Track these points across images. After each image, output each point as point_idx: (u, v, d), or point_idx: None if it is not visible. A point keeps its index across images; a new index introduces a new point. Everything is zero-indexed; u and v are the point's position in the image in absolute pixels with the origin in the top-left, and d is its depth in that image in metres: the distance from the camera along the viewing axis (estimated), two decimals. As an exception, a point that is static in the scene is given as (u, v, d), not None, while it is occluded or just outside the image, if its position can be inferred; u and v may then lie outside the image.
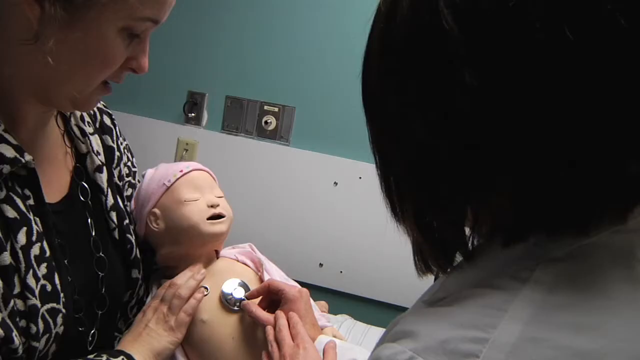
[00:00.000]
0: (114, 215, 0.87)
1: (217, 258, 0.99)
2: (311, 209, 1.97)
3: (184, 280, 0.91)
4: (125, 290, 0.90)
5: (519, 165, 0.40)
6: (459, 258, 0.48)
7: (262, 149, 2.01)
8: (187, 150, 2.06)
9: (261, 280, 0.97)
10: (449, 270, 0.48)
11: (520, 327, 0.39)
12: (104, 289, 0.83)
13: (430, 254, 0.48)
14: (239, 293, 0.93)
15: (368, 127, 0.50)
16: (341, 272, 1.96)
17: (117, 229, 0.87)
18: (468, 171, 0.43)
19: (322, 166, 1.95)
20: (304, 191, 1.97)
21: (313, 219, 1.97)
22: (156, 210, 0.94)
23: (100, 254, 0.83)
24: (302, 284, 0.98)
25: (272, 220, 2.00)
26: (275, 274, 0.99)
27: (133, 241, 0.90)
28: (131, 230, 0.91)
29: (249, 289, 0.94)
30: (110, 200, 0.86)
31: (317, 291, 1.91)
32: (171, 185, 0.94)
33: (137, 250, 0.91)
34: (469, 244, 0.47)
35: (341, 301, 1.95)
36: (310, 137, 1.98)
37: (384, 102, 0.47)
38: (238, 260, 1.00)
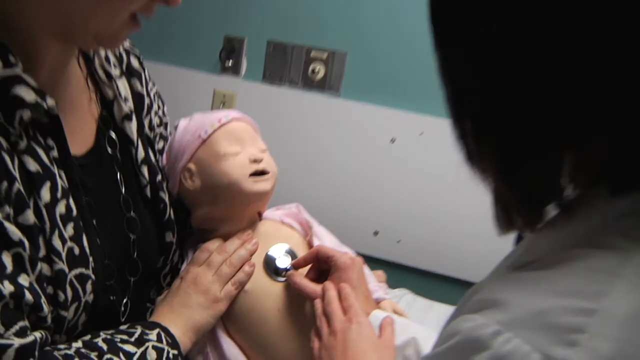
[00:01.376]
0: (145, 170, 0.87)
1: (260, 220, 0.99)
2: (365, 169, 1.96)
3: (234, 247, 0.91)
4: (158, 256, 0.91)
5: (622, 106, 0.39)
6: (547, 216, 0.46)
7: (308, 101, 2.00)
8: (224, 103, 2.07)
9: (310, 245, 0.97)
10: (538, 227, 0.46)
11: (637, 295, 0.36)
12: (136, 254, 0.84)
13: (516, 207, 0.46)
14: (285, 261, 0.93)
15: (438, 53, 0.47)
16: (399, 241, 1.96)
17: (148, 186, 0.88)
18: (568, 111, 0.40)
19: (378, 120, 1.92)
20: (357, 149, 1.96)
21: (367, 180, 1.96)
22: (191, 166, 0.94)
23: (131, 213, 0.84)
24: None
25: (320, 182, 2.01)
26: (326, 239, 0.99)
27: (166, 200, 0.91)
28: (164, 188, 0.91)
29: (296, 256, 0.94)
30: (140, 153, 0.87)
31: (371, 262, 1.90)
32: (208, 137, 0.94)
33: (171, 211, 0.92)
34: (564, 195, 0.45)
35: (398, 274, 1.95)
36: (364, 87, 1.96)
37: (467, 17, 0.44)
38: (284, 223, 1.00)
